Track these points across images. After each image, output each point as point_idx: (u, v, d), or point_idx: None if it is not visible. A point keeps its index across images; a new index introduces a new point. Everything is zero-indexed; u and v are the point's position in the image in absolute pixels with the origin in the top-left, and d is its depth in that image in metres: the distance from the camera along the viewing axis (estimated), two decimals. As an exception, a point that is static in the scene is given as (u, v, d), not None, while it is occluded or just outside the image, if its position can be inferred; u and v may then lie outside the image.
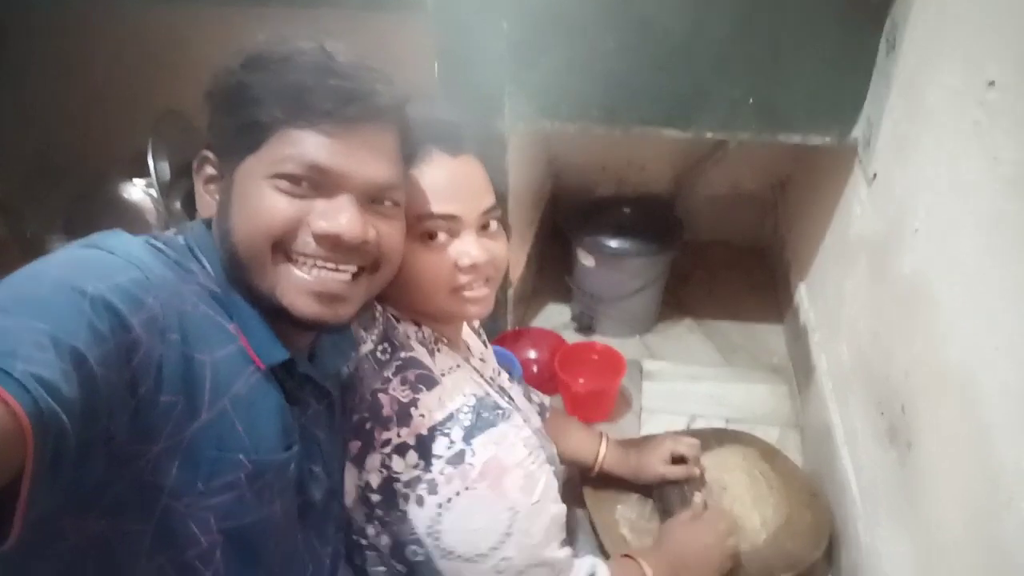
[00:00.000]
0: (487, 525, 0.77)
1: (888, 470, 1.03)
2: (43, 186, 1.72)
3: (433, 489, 0.76)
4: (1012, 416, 0.71)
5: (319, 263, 0.63)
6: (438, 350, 0.87)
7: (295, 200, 0.62)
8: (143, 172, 1.72)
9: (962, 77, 0.87)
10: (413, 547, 0.78)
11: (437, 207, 0.78)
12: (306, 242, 0.63)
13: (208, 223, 0.68)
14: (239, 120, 0.63)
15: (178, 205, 1.75)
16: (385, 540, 0.79)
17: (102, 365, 0.47)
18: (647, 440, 1.29)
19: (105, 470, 0.51)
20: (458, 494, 0.76)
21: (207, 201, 0.67)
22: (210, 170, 0.68)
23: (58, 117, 1.82)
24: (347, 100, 0.62)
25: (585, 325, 1.75)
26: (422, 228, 0.78)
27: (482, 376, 0.94)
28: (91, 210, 1.71)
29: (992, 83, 0.78)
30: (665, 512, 1.20)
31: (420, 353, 0.83)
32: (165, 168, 1.72)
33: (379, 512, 0.78)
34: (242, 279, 0.64)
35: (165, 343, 0.55)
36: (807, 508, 1.26)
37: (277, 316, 0.65)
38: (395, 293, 0.80)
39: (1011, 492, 0.69)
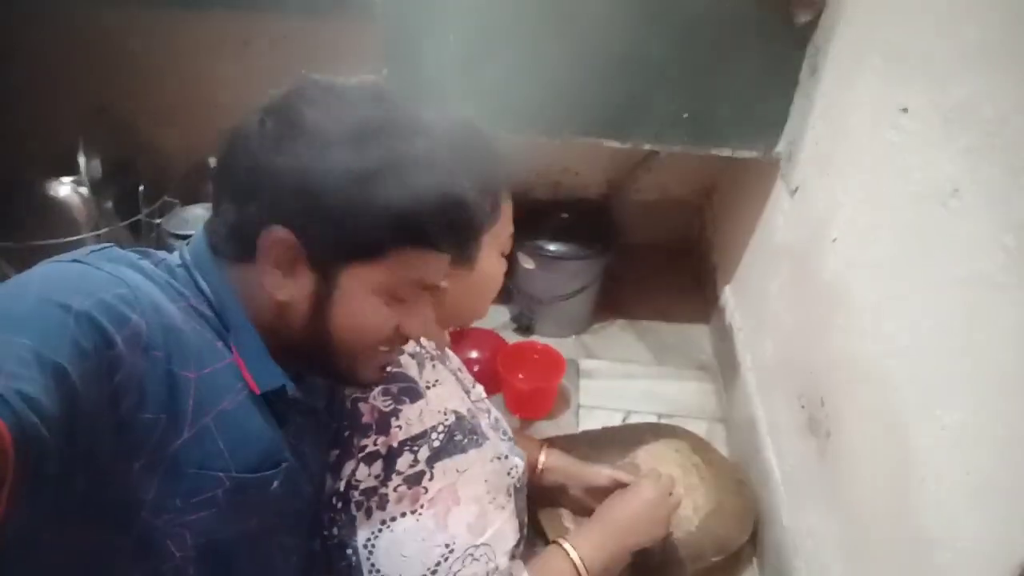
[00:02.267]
0: (417, 555, 0.75)
1: (809, 457, 1.12)
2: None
3: (382, 504, 0.76)
4: (922, 405, 0.80)
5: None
6: (433, 366, 0.86)
7: (399, 305, 0.67)
8: (71, 170, 1.67)
9: (879, 102, 0.96)
10: (349, 551, 0.77)
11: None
12: (392, 338, 0.68)
13: (220, 249, 0.65)
14: (351, 224, 0.60)
15: (110, 204, 1.71)
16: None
17: (84, 381, 0.47)
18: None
19: (85, 486, 0.50)
20: (403, 515, 0.76)
21: (280, 282, 0.63)
22: (287, 253, 0.62)
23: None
24: (476, 234, 0.68)
25: (524, 326, 1.80)
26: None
27: (465, 390, 0.94)
28: (18, 209, 1.64)
29: (905, 109, 0.87)
30: None
31: (407, 366, 0.83)
32: (96, 166, 1.68)
33: (338, 516, 0.78)
34: (317, 361, 0.68)
35: (148, 360, 0.55)
36: (735, 495, 1.35)
37: (330, 380, 0.72)
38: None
39: (923, 473, 0.78)
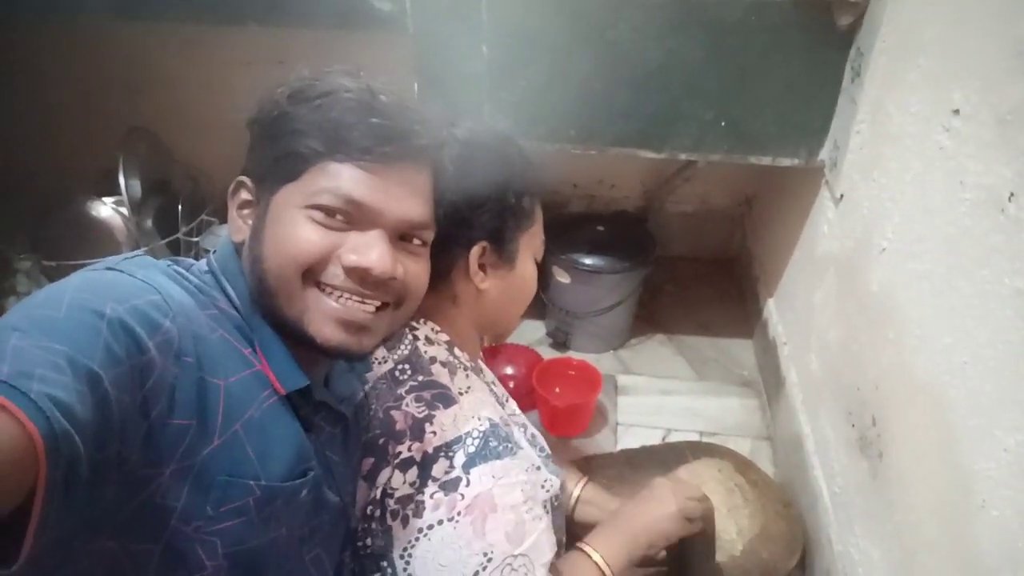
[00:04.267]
0: (455, 564, 0.74)
1: (860, 479, 1.07)
2: (6, 204, 1.68)
3: (419, 512, 0.75)
4: (982, 424, 0.75)
5: (345, 295, 0.64)
6: (467, 375, 0.86)
7: (328, 232, 0.63)
8: (112, 190, 1.70)
9: (927, 104, 0.91)
10: (384, 563, 0.77)
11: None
12: (335, 274, 0.64)
13: (237, 248, 0.69)
14: (279, 150, 0.64)
15: (149, 223, 1.74)
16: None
17: (116, 387, 0.47)
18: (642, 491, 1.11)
19: (116, 492, 0.50)
20: (440, 523, 0.74)
21: (239, 226, 0.68)
22: (245, 195, 0.69)
23: (21, 135, 1.78)
24: (387, 139, 0.64)
25: (560, 341, 1.77)
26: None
27: (500, 403, 0.93)
28: (58, 228, 1.68)
29: (957, 111, 0.83)
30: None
31: (440, 375, 0.83)
32: (135, 185, 1.71)
33: (374, 526, 0.78)
34: (269, 305, 0.65)
35: (179, 366, 0.55)
36: (781, 518, 1.29)
37: (300, 343, 0.65)
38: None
39: (984, 497, 0.73)
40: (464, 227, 0.84)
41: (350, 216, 0.64)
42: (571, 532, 1.12)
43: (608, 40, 1.22)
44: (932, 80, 0.91)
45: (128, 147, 1.69)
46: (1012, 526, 0.68)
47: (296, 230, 0.63)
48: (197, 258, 1.69)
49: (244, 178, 0.69)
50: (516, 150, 0.90)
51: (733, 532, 1.26)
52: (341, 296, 0.64)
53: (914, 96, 0.96)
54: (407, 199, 0.67)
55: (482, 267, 0.88)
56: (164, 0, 1.44)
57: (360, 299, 0.65)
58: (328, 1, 1.41)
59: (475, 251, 0.86)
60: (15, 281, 1.67)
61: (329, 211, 0.63)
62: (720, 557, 1.22)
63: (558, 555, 0.87)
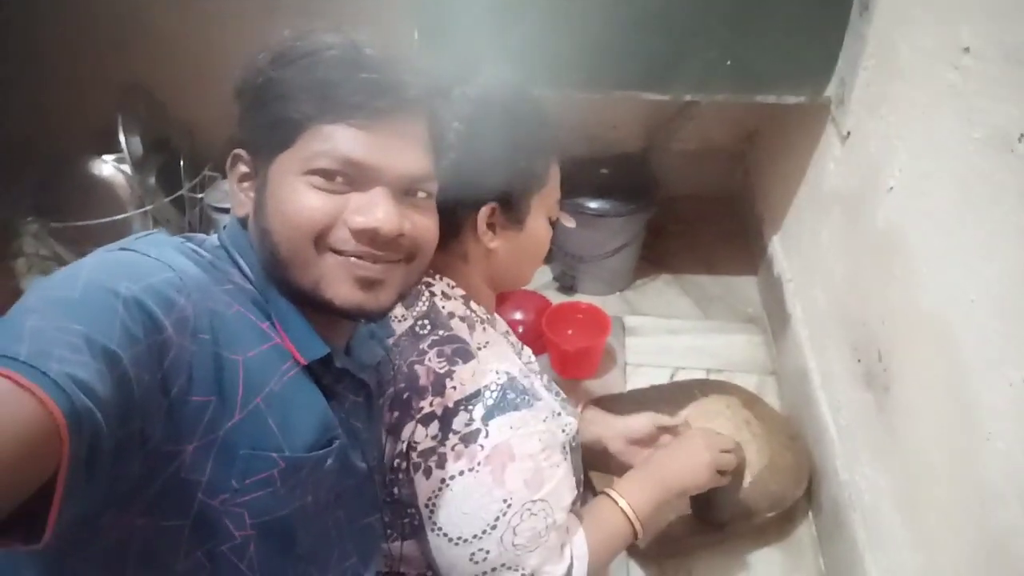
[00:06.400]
0: (477, 511, 0.78)
1: (866, 412, 1.10)
2: (6, 169, 1.67)
3: (441, 463, 0.78)
4: (989, 359, 0.77)
5: (356, 258, 0.64)
6: (484, 329, 0.88)
7: (331, 196, 0.62)
8: (112, 148, 1.69)
9: (937, 41, 0.91)
10: (412, 510, 0.80)
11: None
12: (344, 238, 0.63)
13: (243, 221, 0.68)
14: (270, 117, 0.63)
15: (152, 180, 1.73)
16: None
17: (135, 365, 0.47)
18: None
19: (142, 469, 0.51)
20: (462, 473, 0.77)
21: (241, 200, 0.67)
22: (243, 168, 0.67)
23: (14, 98, 1.75)
24: (377, 93, 0.62)
25: (567, 285, 1.79)
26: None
27: (517, 354, 0.95)
28: (62, 190, 1.67)
29: (967, 49, 0.82)
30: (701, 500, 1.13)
31: (459, 329, 0.85)
32: (136, 143, 1.70)
33: (400, 477, 0.81)
34: (284, 277, 0.64)
35: (196, 343, 0.55)
36: (787, 450, 1.34)
37: (318, 310, 0.65)
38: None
39: (989, 429, 0.76)
40: (472, 188, 0.82)
41: (350, 177, 0.63)
42: (587, 466, 1.16)
43: (609, -21, 1.20)
44: (942, 17, 0.90)
45: (125, 106, 1.67)
46: (1019, 458, 0.71)
47: (298, 198, 0.62)
48: (202, 214, 1.70)
49: (240, 151, 0.67)
50: (531, 109, 0.88)
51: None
52: (352, 258, 0.64)
53: (923, 32, 0.95)
54: (405, 153, 0.65)
55: (491, 227, 0.88)
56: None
57: (372, 261, 0.64)
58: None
59: (483, 212, 0.86)
60: (22, 242, 1.68)
61: (328, 175, 0.62)
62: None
63: (577, 495, 0.90)
